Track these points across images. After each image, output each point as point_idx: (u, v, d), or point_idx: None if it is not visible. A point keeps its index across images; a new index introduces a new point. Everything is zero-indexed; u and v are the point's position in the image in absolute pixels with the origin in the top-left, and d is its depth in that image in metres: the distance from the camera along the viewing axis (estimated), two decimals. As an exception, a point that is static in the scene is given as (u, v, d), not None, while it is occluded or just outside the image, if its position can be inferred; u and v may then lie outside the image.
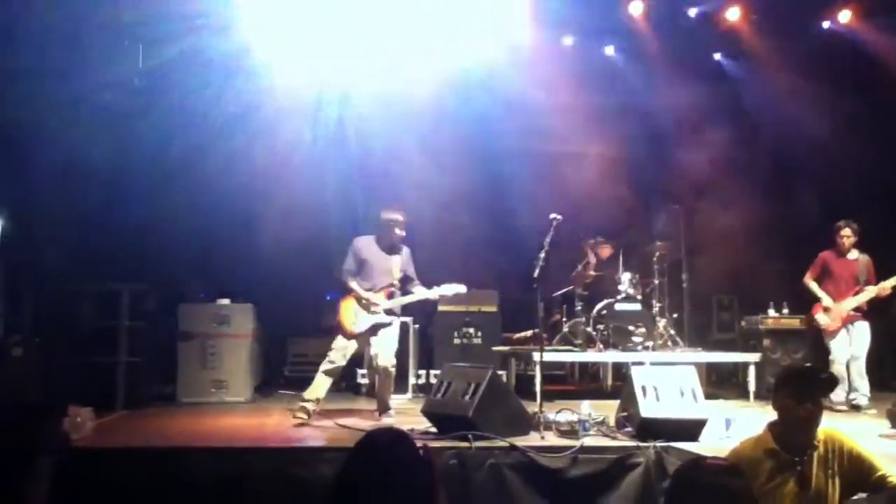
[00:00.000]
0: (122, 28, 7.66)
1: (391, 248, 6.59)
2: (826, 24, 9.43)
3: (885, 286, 6.97)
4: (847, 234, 7.18)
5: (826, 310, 7.20)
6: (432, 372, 8.21)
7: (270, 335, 8.89)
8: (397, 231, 6.56)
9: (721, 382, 8.42)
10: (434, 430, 5.47)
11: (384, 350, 6.44)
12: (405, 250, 6.67)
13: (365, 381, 8.34)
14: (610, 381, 8.83)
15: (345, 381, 8.80)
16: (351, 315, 6.45)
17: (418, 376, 8.41)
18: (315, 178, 9.05)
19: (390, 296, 6.53)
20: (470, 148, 9.30)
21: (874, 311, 7.25)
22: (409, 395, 8.01)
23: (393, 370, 6.51)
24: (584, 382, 9.47)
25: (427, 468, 2.21)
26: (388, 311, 6.49)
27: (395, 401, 7.83)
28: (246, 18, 8.02)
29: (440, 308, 8.71)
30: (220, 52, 8.03)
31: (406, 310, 8.23)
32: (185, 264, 8.40)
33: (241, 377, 7.83)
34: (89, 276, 7.33)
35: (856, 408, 6.90)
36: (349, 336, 6.41)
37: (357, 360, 8.62)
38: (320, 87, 8.98)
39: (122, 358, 7.20)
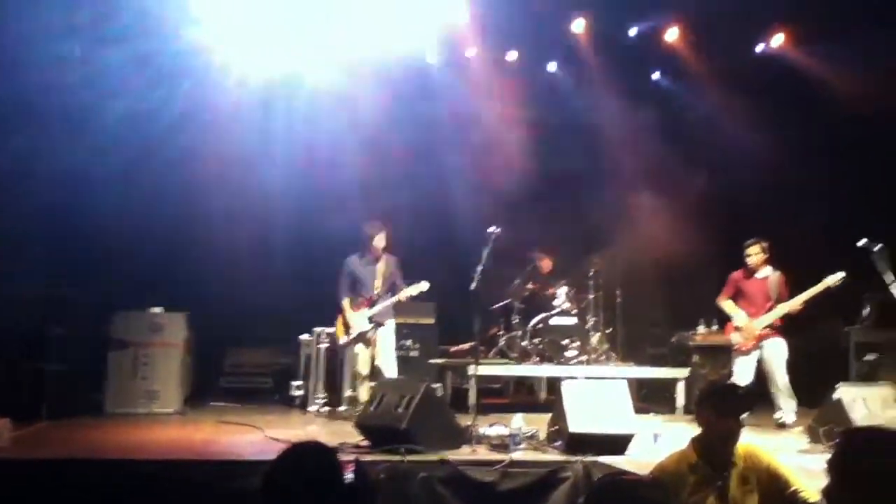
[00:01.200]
0: (70, 29, 7.47)
1: (374, 260, 7.24)
2: (760, 48, 9.76)
3: (795, 303, 6.90)
4: (754, 252, 7.10)
5: (738, 328, 7.09)
6: (371, 384, 8.16)
7: (206, 345, 8.73)
8: (375, 243, 7.20)
9: (652, 397, 8.56)
10: (367, 443, 5.45)
11: (385, 360, 7.16)
12: (389, 259, 7.30)
13: (299, 392, 8.25)
14: (544, 395, 8.92)
15: (278, 394, 8.71)
16: (342, 329, 7.30)
17: (354, 388, 8.33)
18: (259, 184, 8.97)
19: (371, 304, 7.17)
20: (411, 157, 9.33)
21: (798, 328, 7.35)
22: (344, 407, 7.95)
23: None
24: (520, 395, 9.53)
25: (349, 483, 2.21)
26: (371, 319, 7.17)
27: (328, 413, 7.81)
28: (195, 18, 7.92)
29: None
30: (167, 53, 7.90)
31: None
32: (119, 271, 8.20)
33: (172, 388, 7.66)
34: (23, 280, 7.09)
35: (781, 426, 6.80)
36: (344, 345, 7.36)
37: (291, 372, 8.57)
38: (267, 93, 8.88)
39: (48, 366, 6.97)
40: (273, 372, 9.15)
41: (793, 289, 7.04)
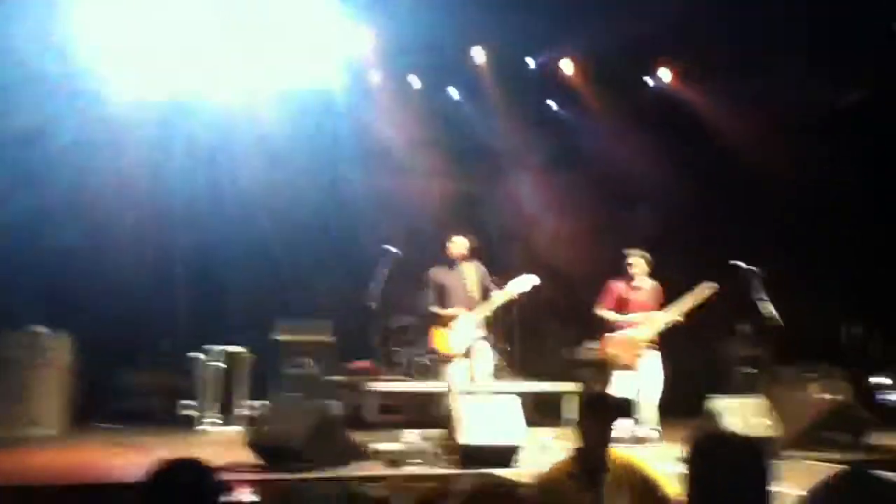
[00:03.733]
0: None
1: (457, 267, 6.83)
2: (650, 82, 10.28)
3: (675, 314, 6.87)
4: (634, 263, 7.07)
5: (618, 343, 7.00)
6: (265, 403, 8.06)
7: (95, 366, 8.42)
8: (456, 251, 6.82)
9: (544, 410, 8.79)
10: (261, 462, 5.40)
11: (482, 370, 6.71)
12: (475, 265, 6.89)
13: (191, 412, 8.06)
14: (441, 410, 9.00)
15: (170, 414, 8.48)
16: (445, 340, 6.70)
17: (251, 408, 8.21)
18: (153, 203, 8.75)
19: (472, 310, 6.69)
20: (313, 176, 9.34)
21: (680, 344, 7.65)
22: (239, 427, 7.82)
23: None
24: (419, 412, 9.58)
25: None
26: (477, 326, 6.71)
27: (222, 433, 7.67)
28: (84, 39, 7.73)
29: (276, 337, 8.62)
30: (59, 74, 7.66)
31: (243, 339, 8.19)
32: (2, 289, 7.83)
33: (54, 410, 7.34)
34: None
35: (640, 440, 6.62)
36: (451, 358, 6.65)
37: (184, 392, 8.36)
38: (165, 111, 8.71)
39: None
40: (165, 392, 8.89)
41: (668, 303, 7.06)
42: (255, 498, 4.45)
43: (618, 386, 6.90)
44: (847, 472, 1.41)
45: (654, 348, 7.04)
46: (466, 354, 6.67)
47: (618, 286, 7.18)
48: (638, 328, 7.00)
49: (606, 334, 7.16)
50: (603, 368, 7.20)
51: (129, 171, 8.38)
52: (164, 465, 2.25)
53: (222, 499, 2.64)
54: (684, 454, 2.24)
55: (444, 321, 6.71)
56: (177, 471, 2.21)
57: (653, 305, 7.10)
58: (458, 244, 6.84)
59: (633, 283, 7.14)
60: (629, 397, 6.79)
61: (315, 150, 9.28)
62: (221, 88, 8.75)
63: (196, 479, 2.19)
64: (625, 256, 7.20)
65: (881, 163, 8.97)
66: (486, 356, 6.77)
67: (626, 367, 6.98)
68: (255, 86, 8.84)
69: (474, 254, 6.94)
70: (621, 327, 7.06)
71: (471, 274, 6.82)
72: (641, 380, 6.94)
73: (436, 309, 6.75)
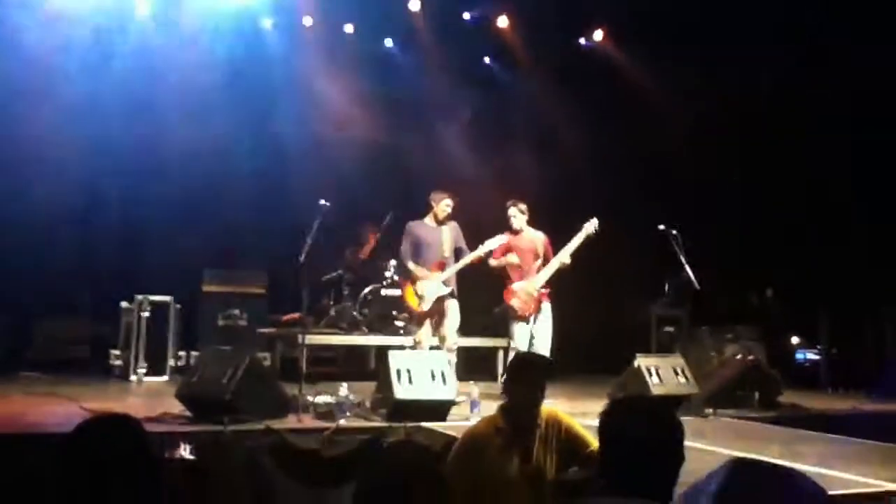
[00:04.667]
0: None
1: (438, 225, 7.03)
2: (583, 41, 10.38)
3: (564, 256, 6.89)
4: (513, 215, 7.05)
5: (516, 293, 6.91)
6: (194, 354, 8.00)
7: (13, 314, 8.17)
8: (440, 208, 7.00)
9: (475, 366, 8.95)
10: (188, 414, 5.38)
11: (450, 329, 6.88)
12: (453, 225, 7.09)
13: (118, 362, 7.94)
14: (374, 364, 9.10)
15: (95, 364, 8.34)
16: (414, 297, 6.90)
17: (178, 358, 8.14)
18: (79, 148, 8.41)
19: (441, 268, 6.91)
20: (244, 126, 9.13)
21: (607, 304, 7.88)
22: (167, 377, 7.75)
23: (455, 348, 6.98)
24: (351, 365, 9.66)
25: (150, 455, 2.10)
26: (445, 283, 6.89)
27: (152, 383, 7.59)
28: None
29: (205, 288, 8.53)
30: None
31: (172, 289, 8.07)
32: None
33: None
34: None
35: None
36: (422, 316, 6.85)
37: (111, 340, 8.22)
38: (84, 58, 8.35)
39: None
40: (91, 341, 8.72)
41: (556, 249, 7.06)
42: (191, 456, 4.44)
43: (518, 337, 6.94)
44: (730, 464, 1.48)
45: (547, 298, 7.02)
46: (434, 311, 6.88)
47: (503, 238, 7.04)
48: (532, 278, 6.99)
49: (508, 286, 7.05)
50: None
51: (51, 116, 8.02)
52: (91, 420, 2.15)
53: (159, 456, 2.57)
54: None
55: (414, 278, 6.92)
56: (104, 427, 2.09)
57: (539, 254, 7.10)
58: (441, 203, 7.01)
59: (518, 235, 7.12)
60: (524, 348, 6.82)
61: (244, 97, 9.06)
62: (147, 29, 8.43)
63: (125, 435, 2.07)
64: (509, 209, 7.14)
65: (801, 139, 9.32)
66: (454, 314, 6.95)
67: (523, 318, 6.92)
68: (182, 24, 8.53)
69: (454, 215, 7.13)
70: (520, 278, 7.01)
71: (447, 233, 7.03)
72: (536, 328, 6.94)
73: (410, 265, 6.97)
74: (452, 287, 6.98)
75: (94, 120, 8.34)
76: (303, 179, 8.84)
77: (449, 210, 7.07)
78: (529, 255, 7.05)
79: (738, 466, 1.45)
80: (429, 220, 7.11)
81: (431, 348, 6.86)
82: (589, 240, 6.98)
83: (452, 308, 6.96)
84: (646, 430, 2.12)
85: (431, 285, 6.88)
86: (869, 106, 8.71)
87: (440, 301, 6.89)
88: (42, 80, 7.99)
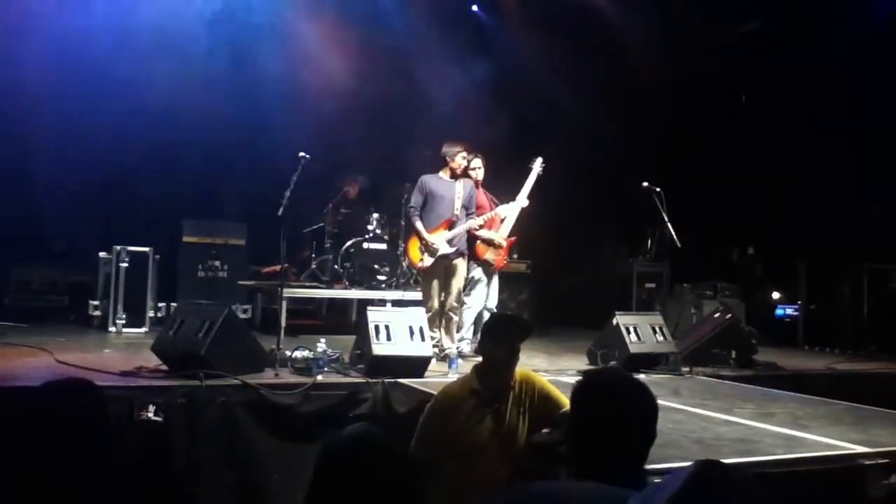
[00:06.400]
0: None
1: (453, 181, 6.78)
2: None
3: (522, 200, 6.94)
4: (478, 166, 7.05)
5: (491, 244, 6.98)
6: (174, 305, 7.95)
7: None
8: (456, 165, 6.75)
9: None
10: (164, 367, 5.35)
11: (454, 288, 6.69)
12: (467, 182, 6.87)
13: (97, 313, 7.89)
14: (355, 318, 9.08)
15: (73, 314, 8.29)
16: (418, 252, 6.72)
17: (157, 310, 8.09)
18: (51, 89, 8.21)
19: (450, 226, 6.70)
20: (224, 74, 8.91)
21: (588, 259, 7.89)
22: (146, 329, 7.71)
23: (458, 309, 6.79)
24: (332, 318, 9.65)
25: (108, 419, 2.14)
26: (451, 243, 6.67)
27: (131, 335, 7.56)
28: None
29: (185, 239, 8.43)
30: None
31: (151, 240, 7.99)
32: None
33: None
34: None
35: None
36: (429, 273, 6.68)
37: (89, 291, 8.15)
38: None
39: None
40: (69, 290, 8.65)
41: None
42: (158, 418, 4.42)
43: (480, 292, 7.06)
44: (698, 467, 1.45)
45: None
46: (440, 269, 6.70)
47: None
48: (496, 229, 7.04)
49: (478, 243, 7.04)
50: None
51: (28, 62, 7.82)
52: (55, 385, 2.20)
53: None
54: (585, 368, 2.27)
55: (421, 234, 6.71)
56: (66, 392, 2.15)
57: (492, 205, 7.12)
58: (457, 156, 6.78)
59: (479, 185, 7.15)
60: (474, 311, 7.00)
61: (225, 45, 8.84)
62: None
63: (85, 401, 2.13)
64: (472, 160, 7.09)
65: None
66: (460, 273, 6.78)
67: (496, 272, 7.13)
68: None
69: (465, 172, 6.93)
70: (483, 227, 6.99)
71: (461, 190, 6.80)
72: (491, 283, 7.13)
73: (417, 223, 6.72)
74: (459, 247, 6.76)
75: (72, 67, 8.13)
76: (284, 130, 8.68)
77: (464, 163, 6.83)
78: (486, 209, 7.06)
79: (701, 472, 1.43)
80: (443, 173, 6.85)
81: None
82: (539, 177, 7.02)
83: (459, 268, 6.76)
84: (617, 407, 2.11)
85: (436, 243, 6.69)
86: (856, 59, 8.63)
87: (445, 259, 6.69)
88: (21, 21, 7.75)
